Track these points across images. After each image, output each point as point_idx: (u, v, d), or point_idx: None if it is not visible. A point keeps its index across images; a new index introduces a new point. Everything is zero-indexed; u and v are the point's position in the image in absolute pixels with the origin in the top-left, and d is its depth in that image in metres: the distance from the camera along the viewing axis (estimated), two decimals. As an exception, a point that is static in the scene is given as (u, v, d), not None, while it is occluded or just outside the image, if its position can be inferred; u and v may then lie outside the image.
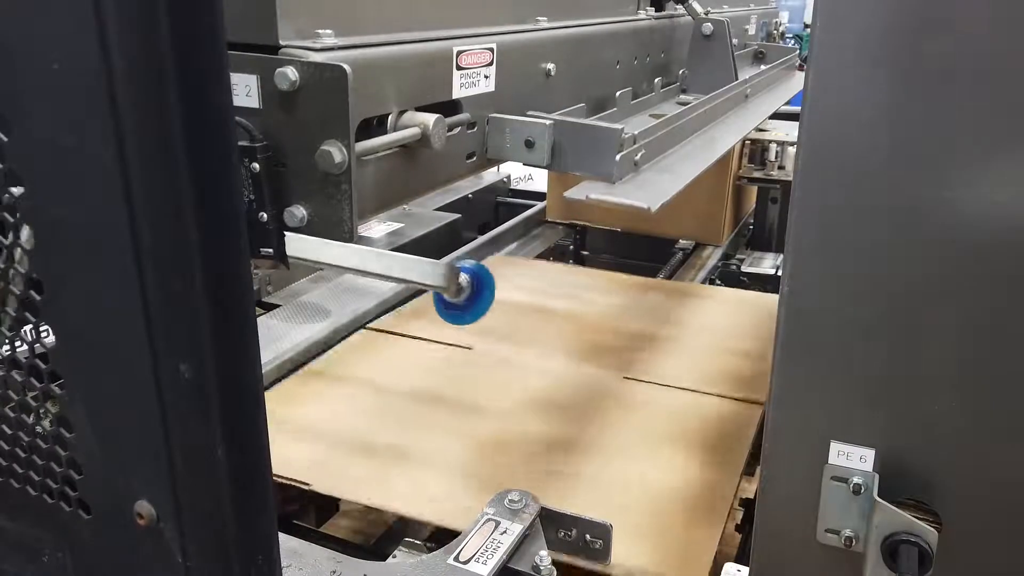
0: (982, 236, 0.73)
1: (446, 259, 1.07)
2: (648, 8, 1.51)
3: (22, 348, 0.59)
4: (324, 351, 1.67)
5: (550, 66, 1.06)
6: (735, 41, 2.11)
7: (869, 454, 0.82)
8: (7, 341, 0.59)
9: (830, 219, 0.78)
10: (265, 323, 1.75)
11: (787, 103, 2.00)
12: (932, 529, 0.78)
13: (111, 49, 0.47)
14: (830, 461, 0.83)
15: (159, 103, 0.49)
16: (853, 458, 0.83)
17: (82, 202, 0.51)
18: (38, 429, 0.61)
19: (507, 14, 1.02)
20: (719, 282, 2.50)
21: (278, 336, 1.69)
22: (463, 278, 1.00)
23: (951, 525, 0.81)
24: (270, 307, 1.92)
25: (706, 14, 1.58)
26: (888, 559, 0.79)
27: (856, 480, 0.82)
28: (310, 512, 1.50)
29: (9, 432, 0.63)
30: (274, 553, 0.62)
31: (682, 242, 2.60)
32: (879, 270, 0.78)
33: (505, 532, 0.98)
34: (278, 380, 1.55)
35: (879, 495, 0.81)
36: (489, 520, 1.00)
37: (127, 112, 0.48)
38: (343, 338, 1.73)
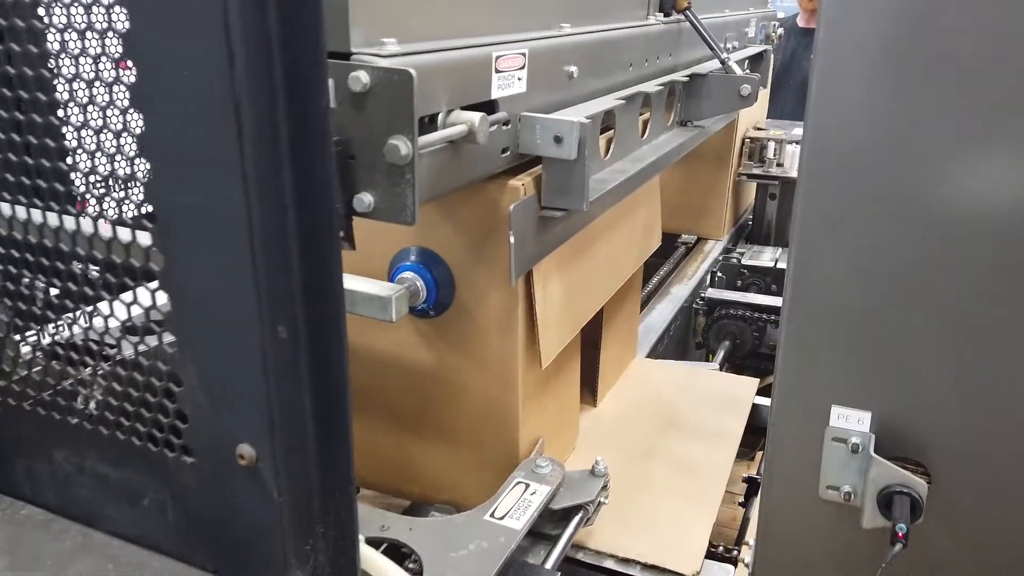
0: (973, 222, 0.83)
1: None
2: (657, 13, 1.60)
3: (138, 314, 0.68)
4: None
5: (573, 68, 1.16)
6: (735, 43, 2.22)
7: (866, 416, 0.92)
8: (125, 309, 0.69)
9: (832, 207, 0.87)
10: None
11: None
12: (923, 481, 0.88)
13: (236, 59, 0.56)
14: (831, 423, 0.93)
15: (270, 102, 0.58)
16: (852, 420, 0.92)
17: (205, 187, 0.60)
18: (149, 385, 0.70)
19: (536, 21, 1.11)
20: (720, 275, 2.60)
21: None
22: (414, 286, 1.08)
23: (940, 479, 0.91)
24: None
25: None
26: (883, 509, 0.89)
27: (854, 440, 0.91)
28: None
29: (119, 389, 0.72)
30: (350, 491, 0.72)
31: (684, 236, 2.70)
32: (877, 252, 0.87)
33: (535, 493, 1.08)
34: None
35: (875, 453, 0.91)
36: (519, 483, 1.10)
37: (248, 110, 0.57)
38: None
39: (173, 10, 0.57)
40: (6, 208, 0.72)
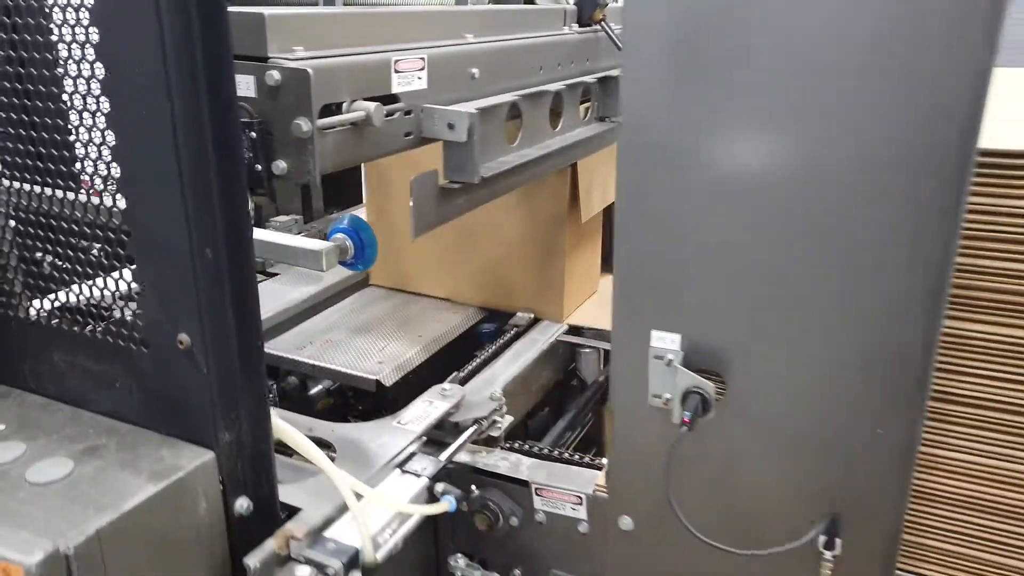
0: (746, 184, 1.08)
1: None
2: (574, 25, 1.88)
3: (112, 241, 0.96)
4: (315, 306, 2.05)
5: (475, 70, 1.43)
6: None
7: (677, 338, 1.18)
8: (102, 242, 0.97)
9: (643, 176, 1.14)
10: (268, 287, 2.12)
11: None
12: (710, 383, 1.14)
13: (169, 62, 0.84)
14: (652, 344, 1.19)
15: (194, 91, 0.86)
16: (667, 341, 1.18)
17: (153, 148, 0.88)
18: (119, 294, 0.98)
19: (440, 32, 1.39)
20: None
21: (279, 296, 2.06)
22: (344, 245, 1.36)
23: (735, 385, 1.17)
24: (272, 275, 2.28)
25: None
26: (684, 406, 1.15)
27: (669, 356, 1.18)
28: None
29: (96, 293, 1.00)
30: (262, 373, 0.99)
31: None
32: (677, 210, 1.13)
33: (436, 408, 1.35)
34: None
35: (683, 366, 1.17)
36: (425, 400, 1.37)
37: (178, 96, 0.85)
38: (333, 295, 2.11)
39: (127, 27, 0.85)
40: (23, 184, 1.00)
